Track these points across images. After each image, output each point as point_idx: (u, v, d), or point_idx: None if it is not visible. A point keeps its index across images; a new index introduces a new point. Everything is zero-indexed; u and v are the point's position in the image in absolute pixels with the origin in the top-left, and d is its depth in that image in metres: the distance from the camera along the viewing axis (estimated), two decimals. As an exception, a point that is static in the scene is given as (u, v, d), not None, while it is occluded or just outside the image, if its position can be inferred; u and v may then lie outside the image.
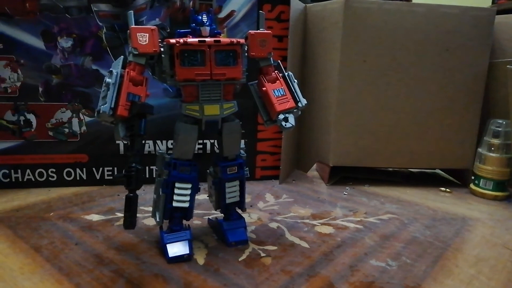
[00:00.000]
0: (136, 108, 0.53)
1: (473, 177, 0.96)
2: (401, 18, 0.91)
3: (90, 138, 0.90)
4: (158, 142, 0.93)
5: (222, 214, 0.68)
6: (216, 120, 0.60)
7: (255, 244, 0.66)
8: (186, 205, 0.61)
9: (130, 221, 0.53)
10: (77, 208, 0.79)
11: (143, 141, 0.79)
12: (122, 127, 0.54)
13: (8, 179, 0.88)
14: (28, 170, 0.89)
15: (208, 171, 0.68)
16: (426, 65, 0.94)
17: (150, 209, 0.66)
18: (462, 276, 0.58)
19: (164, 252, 0.60)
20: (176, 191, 0.60)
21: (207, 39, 0.56)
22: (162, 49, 0.56)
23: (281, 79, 0.62)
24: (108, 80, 0.53)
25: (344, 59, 0.92)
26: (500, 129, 0.91)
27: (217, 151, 0.74)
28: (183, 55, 0.55)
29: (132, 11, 0.56)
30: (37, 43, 0.84)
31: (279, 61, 0.63)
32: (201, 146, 0.95)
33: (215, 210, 0.69)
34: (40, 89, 0.86)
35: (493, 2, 2.16)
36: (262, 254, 0.63)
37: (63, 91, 0.87)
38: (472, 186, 0.96)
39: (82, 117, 0.89)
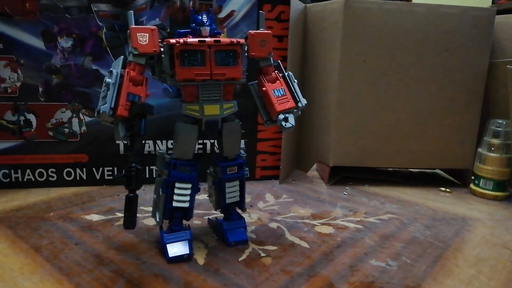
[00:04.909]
0: (136, 108, 0.53)
1: (473, 177, 0.96)
2: (401, 18, 0.91)
3: (90, 138, 0.90)
4: (158, 142, 0.93)
5: (222, 214, 0.68)
6: (216, 120, 0.60)
7: (255, 244, 0.66)
8: (186, 205, 0.61)
9: (130, 221, 0.53)
10: (77, 208, 0.79)
11: (143, 141, 0.79)
12: (122, 127, 0.54)
13: (8, 179, 0.88)
14: (28, 170, 0.89)
15: (208, 171, 0.68)
16: (426, 65, 0.94)
17: (150, 209, 0.66)
18: (462, 276, 0.58)
19: (164, 252, 0.60)
20: (176, 191, 0.60)
21: (207, 39, 0.56)
22: (162, 49, 0.56)
23: (281, 79, 0.62)
24: (108, 80, 0.53)
25: (344, 59, 0.92)
26: (500, 129, 0.91)
27: (217, 151, 0.74)
28: (183, 55, 0.55)
29: (132, 11, 0.56)
30: (37, 43, 0.84)
31: (279, 61, 0.63)
32: (201, 146, 0.95)
33: (215, 210, 0.69)
34: (40, 89, 0.86)
35: (493, 2, 2.16)
36: (262, 254, 0.63)
37: (63, 91, 0.87)
38: (472, 186, 0.96)
39: (82, 117, 0.89)
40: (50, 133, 0.88)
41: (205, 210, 0.79)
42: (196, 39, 0.56)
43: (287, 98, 0.61)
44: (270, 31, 0.62)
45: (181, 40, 0.55)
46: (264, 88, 0.61)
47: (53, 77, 0.86)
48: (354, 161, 0.99)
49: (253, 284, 0.54)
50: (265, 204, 0.84)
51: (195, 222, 0.73)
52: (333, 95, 0.95)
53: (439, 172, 1.14)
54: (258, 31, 0.61)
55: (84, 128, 0.89)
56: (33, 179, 0.89)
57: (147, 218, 0.74)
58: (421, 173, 1.13)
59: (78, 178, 0.91)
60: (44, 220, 0.73)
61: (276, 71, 0.63)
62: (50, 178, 0.90)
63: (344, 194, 0.93)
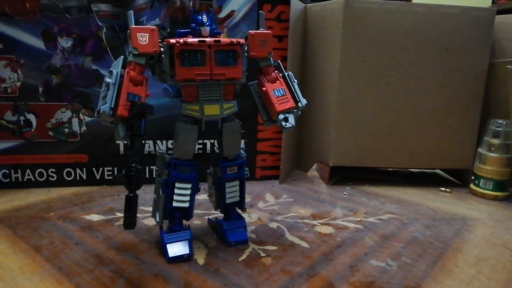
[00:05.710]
0: (136, 108, 0.53)
1: (473, 177, 0.96)
2: (401, 18, 0.91)
3: (90, 138, 0.90)
4: (158, 142, 0.93)
5: (222, 214, 0.68)
6: (216, 120, 0.60)
7: (255, 244, 0.66)
8: (186, 205, 0.61)
9: (130, 221, 0.53)
10: (77, 208, 0.79)
11: (143, 141, 0.79)
12: (122, 127, 0.54)
13: (8, 179, 0.88)
14: (28, 170, 0.89)
15: (208, 171, 0.68)
16: (426, 65, 0.94)
17: (150, 209, 0.66)
18: (462, 276, 0.58)
19: (164, 252, 0.60)
20: (176, 191, 0.60)
21: (207, 39, 0.56)
22: (162, 49, 0.56)
23: (281, 79, 0.62)
24: (108, 80, 0.53)
25: (344, 59, 0.92)
26: (500, 129, 0.91)
27: (217, 151, 0.74)
28: (183, 55, 0.55)
29: (132, 11, 0.56)
30: (37, 43, 0.84)
31: (279, 61, 0.63)
32: (201, 146, 0.95)
33: (215, 210, 0.69)
34: (40, 89, 0.86)
35: (493, 2, 2.16)
36: (262, 254, 0.63)
37: (63, 91, 0.87)
38: (472, 186, 0.96)
39: (82, 117, 0.89)
40: (50, 133, 0.88)
41: (205, 210, 0.79)
42: (196, 39, 0.56)
43: (287, 98, 0.61)
44: (270, 31, 0.62)
45: (181, 40, 0.55)
46: (264, 88, 0.61)
47: (53, 77, 0.86)
48: (354, 161, 0.99)
49: (253, 284, 0.54)
50: (265, 204, 0.84)
51: (195, 222, 0.73)
52: (333, 95, 0.95)
53: (439, 172, 1.14)
54: (258, 31, 0.61)
55: (84, 128, 0.89)
56: (33, 179, 0.89)
57: (147, 218, 0.74)
58: (421, 173, 1.13)
59: (78, 178, 0.91)
60: (44, 220, 0.73)
61: (276, 71, 0.63)
62: (50, 178, 0.90)
63: (344, 194, 0.93)
